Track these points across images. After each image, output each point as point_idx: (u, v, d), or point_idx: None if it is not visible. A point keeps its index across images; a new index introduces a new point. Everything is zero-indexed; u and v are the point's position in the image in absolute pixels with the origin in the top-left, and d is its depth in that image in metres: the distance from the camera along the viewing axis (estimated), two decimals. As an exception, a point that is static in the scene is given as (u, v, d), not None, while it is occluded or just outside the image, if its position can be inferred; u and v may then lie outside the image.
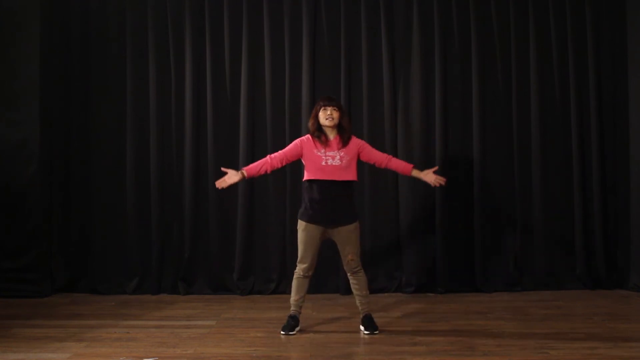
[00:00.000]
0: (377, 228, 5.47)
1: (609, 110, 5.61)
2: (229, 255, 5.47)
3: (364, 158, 4.19)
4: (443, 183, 4.24)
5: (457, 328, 4.19)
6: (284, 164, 4.17)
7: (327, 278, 5.32)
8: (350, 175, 4.07)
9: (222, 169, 4.22)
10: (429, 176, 4.21)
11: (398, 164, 4.26)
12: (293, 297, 4.16)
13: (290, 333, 4.05)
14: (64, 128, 5.50)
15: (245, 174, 4.15)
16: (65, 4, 5.52)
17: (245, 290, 5.37)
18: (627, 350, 3.61)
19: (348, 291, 5.14)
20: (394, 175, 5.45)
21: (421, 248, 5.45)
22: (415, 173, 4.20)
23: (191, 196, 5.42)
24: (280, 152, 4.19)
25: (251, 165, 4.21)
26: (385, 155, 4.26)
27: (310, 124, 4.19)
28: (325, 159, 4.02)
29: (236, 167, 5.38)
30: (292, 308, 4.15)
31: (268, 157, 4.17)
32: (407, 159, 5.42)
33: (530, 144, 5.53)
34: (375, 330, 4.04)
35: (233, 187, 5.35)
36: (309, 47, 5.45)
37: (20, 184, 5.24)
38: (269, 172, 4.19)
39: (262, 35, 5.49)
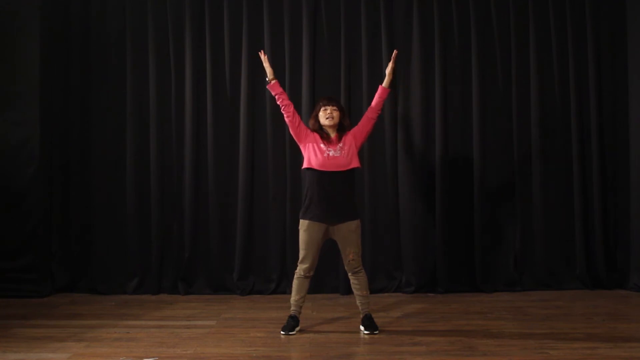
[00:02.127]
0: (377, 228, 5.47)
1: (609, 110, 5.61)
2: (229, 255, 5.47)
3: (361, 138, 4.24)
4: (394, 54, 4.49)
5: (457, 328, 4.19)
6: (292, 119, 4.20)
7: (327, 278, 5.32)
8: (352, 163, 4.10)
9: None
10: (390, 66, 4.42)
11: (377, 101, 4.33)
12: (293, 297, 4.16)
13: (290, 333, 4.05)
14: (64, 128, 5.50)
15: (273, 82, 4.28)
16: (65, 5, 5.52)
17: (245, 290, 5.37)
18: (627, 350, 3.61)
19: (348, 291, 5.16)
20: (394, 175, 5.46)
21: (421, 248, 5.45)
22: (386, 82, 4.37)
23: (191, 196, 5.42)
24: (297, 114, 4.27)
25: (281, 88, 4.29)
26: (366, 114, 4.32)
27: (310, 124, 4.25)
28: (327, 151, 4.06)
29: (236, 168, 5.45)
30: (292, 308, 4.15)
31: (292, 105, 4.29)
32: (407, 158, 5.47)
33: (530, 144, 5.53)
34: (375, 330, 4.05)
35: (233, 187, 5.45)
36: (309, 47, 5.45)
37: (20, 184, 5.24)
38: (280, 102, 4.25)
39: (262, 35, 5.49)
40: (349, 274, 4.18)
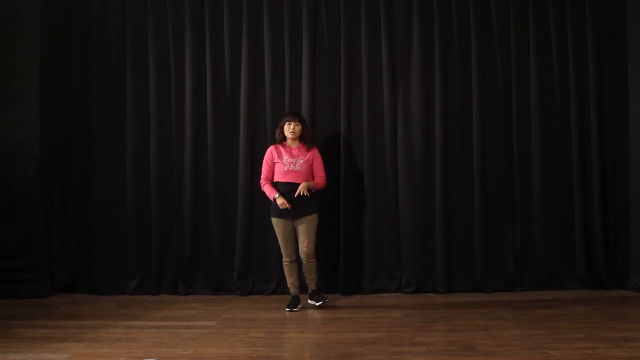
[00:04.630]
0: (377, 228, 5.46)
1: (609, 110, 5.61)
2: (229, 255, 5.47)
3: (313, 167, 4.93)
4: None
5: (457, 328, 4.19)
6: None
7: (325, 279, 5.31)
8: (309, 178, 4.86)
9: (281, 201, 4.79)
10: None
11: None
12: (288, 280, 4.89)
13: (294, 309, 4.71)
14: (64, 128, 5.50)
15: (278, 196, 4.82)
16: (65, 5, 5.52)
17: (245, 290, 5.37)
18: (627, 350, 3.61)
19: (348, 291, 5.21)
20: (394, 175, 5.46)
21: (421, 248, 5.45)
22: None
23: (191, 196, 5.42)
24: (264, 176, 4.89)
25: (270, 193, 4.83)
26: (317, 180, 4.90)
27: (277, 133, 4.95)
28: (288, 165, 4.80)
29: (236, 168, 5.45)
30: (292, 290, 4.86)
31: (267, 182, 4.87)
32: (407, 158, 5.46)
33: (530, 144, 5.53)
34: (320, 301, 4.76)
35: (233, 187, 5.46)
36: (309, 47, 5.45)
37: (20, 184, 5.24)
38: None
39: (262, 35, 5.49)
40: (304, 261, 4.85)
